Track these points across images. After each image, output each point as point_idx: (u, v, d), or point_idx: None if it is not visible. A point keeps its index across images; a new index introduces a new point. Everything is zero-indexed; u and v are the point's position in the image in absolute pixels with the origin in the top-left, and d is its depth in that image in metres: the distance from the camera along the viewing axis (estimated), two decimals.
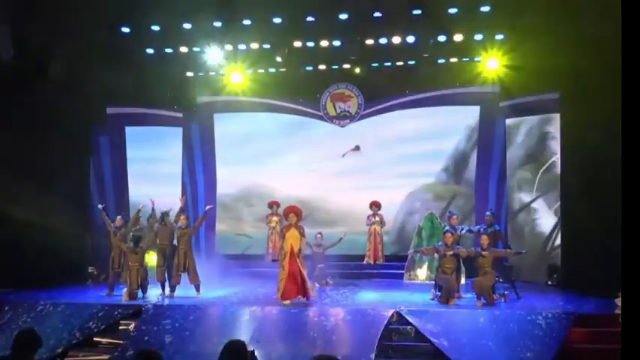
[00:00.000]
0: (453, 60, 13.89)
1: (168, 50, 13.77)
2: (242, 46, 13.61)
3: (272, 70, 14.65)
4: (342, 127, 14.74)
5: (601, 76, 9.90)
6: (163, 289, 10.65)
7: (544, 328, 7.97)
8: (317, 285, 12.03)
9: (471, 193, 14.17)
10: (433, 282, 10.44)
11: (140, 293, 10.14)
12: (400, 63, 14.18)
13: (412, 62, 14.08)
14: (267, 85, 14.94)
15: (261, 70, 14.74)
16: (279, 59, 13.73)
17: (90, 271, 13.01)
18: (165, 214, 10.90)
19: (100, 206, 11.55)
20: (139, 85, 14.10)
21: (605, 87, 9.53)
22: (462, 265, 10.45)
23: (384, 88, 14.51)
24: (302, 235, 9.81)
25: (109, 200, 13.94)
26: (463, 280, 11.00)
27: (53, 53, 11.74)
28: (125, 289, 10.17)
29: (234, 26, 12.82)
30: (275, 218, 13.06)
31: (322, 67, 14.45)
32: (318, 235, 12.51)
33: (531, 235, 12.93)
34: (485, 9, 11.94)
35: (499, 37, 12.95)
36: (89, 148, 13.09)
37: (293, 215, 9.79)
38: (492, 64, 13.63)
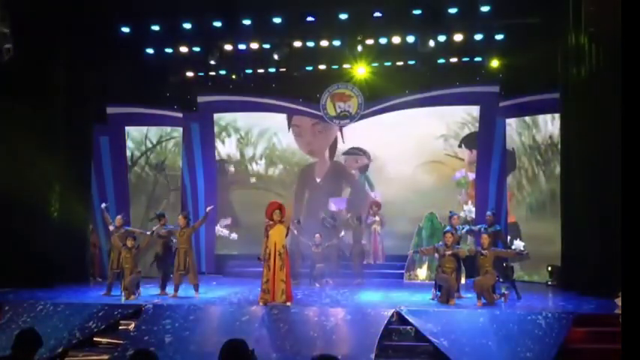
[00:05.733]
0: (453, 60, 13.89)
1: (168, 50, 13.77)
2: (242, 46, 13.62)
3: (272, 70, 14.66)
4: (342, 126, 14.74)
5: (601, 76, 9.90)
6: (162, 288, 10.63)
7: (544, 328, 7.96)
8: (317, 285, 12.05)
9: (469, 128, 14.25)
10: (433, 282, 10.44)
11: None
12: (400, 63, 14.19)
13: (412, 62, 14.08)
14: (267, 85, 14.97)
15: (261, 70, 14.75)
16: (279, 59, 13.73)
17: (91, 271, 13.05)
18: (161, 216, 10.89)
19: (102, 205, 11.57)
20: (139, 85, 14.12)
21: (606, 87, 9.54)
22: (462, 265, 10.45)
23: (384, 88, 14.51)
24: (287, 230, 9.57)
25: (109, 200, 13.94)
26: (463, 280, 10.99)
27: (53, 53, 11.73)
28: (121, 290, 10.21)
29: (234, 26, 12.82)
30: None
31: (322, 67, 14.45)
32: (317, 235, 12.50)
33: (531, 235, 12.95)
34: (485, 9, 11.94)
35: (499, 36, 12.95)
36: (89, 148, 13.09)
37: (278, 212, 9.52)
38: (492, 64, 13.66)
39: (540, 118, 12.99)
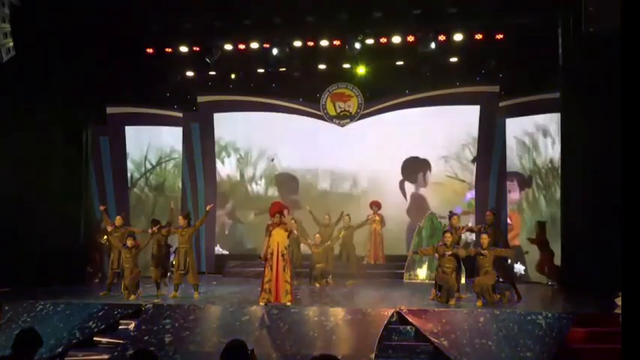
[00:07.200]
0: (453, 60, 13.88)
1: (169, 50, 13.76)
2: (242, 46, 13.62)
3: (272, 70, 14.65)
4: (342, 126, 14.74)
5: (601, 76, 9.90)
6: (159, 288, 10.61)
7: (544, 328, 7.97)
8: (317, 285, 12.06)
9: (470, 150, 14.20)
10: (433, 282, 10.43)
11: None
12: (400, 63, 14.18)
13: (412, 62, 14.07)
14: (267, 85, 14.96)
15: (261, 70, 14.75)
16: (279, 59, 13.72)
17: (89, 270, 13.03)
18: (156, 222, 10.87)
19: (101, 208, 11.58)
20: (139, 85, 14.12)
21: (606, 87, 9.54)
22: (462, 264, 10.45)
23: (384, 88, 14.51)
24: (288, 232, 9.66)
25: (109, 200, 13.95)
26: (463, 280, 11.00)
27: (53, 53, 11.73)
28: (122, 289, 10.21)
29: (234, 26, 12.81)
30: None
31: (322, 67, 14.44)
32: (317, 235, 12.50)
33: (531, 260, 12.88)
34: (484, 9, 11.93)
35: (499, 36, 12.94)
36: (89, 148, 13.08)
37: (279, 214, 9.61)
38: (492, 64, 13.65)
39: (541, 140, 12.92)
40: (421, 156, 14.41)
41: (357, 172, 14.44)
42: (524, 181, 13.32)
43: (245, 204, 15.08)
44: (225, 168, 15.16)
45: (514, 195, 13.44)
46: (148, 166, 14.73)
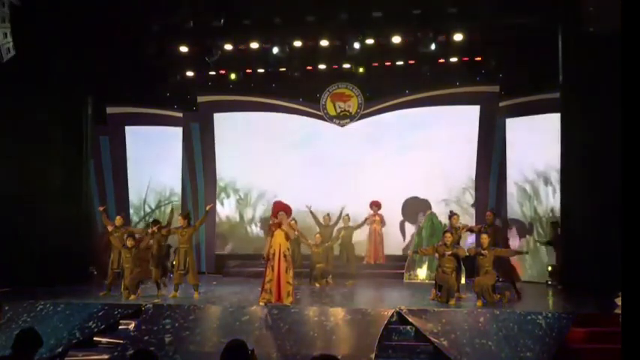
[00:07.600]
0: (453, 60, 13.88)
1: (169, 50, 13.76)
2: (242, 46, 13.61)
3: (272, 70, 14.65)
4: (342, 126, 14.73)
5: (601, 76, 9.91)
6: (159, 288, 10.61)
7: (544, 328, 7.97)
8: (317, 285, 12.06)
9: (471, 193, 14.12)
10: (433, 282, 10.44)
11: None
12: (400, 63, 14.18)
13: (412, 62, 14.07)
14: (267, 85, 14.96)
15: (261, 70, 14.75)
16: (279, 59, 13.72)
17: (90, 270, 13.04)
18: (156, 222, 10.86)
19: (100, 209, 11.58)
20: (139, 85, 14.12)
21: (606, 87, 9.55)
22: (462, 264, 10.45)
23: (384, 88, 14.51)
24: (288, 234, 9.63)
25: (109, 200, 13.96)
26: (463, 280, 10.99)
27: (53, 52, 11.73)
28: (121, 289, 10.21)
29: (234, 26, 12.82)
30: None
31: (322, 67, 14.43)
32: (317, 235, 12.51)
33: (531, 235, 12.92)
34: (484, 9, 11.93)
35: (499, 36, 12.94)
36: (89, 148, 13.08)
37: (283, 214, 9.60)
38: (492, 64, 13.65)
39: (542, 189, 12.89)
40: (421, 196, 14.20)
41: (358, 213, 13.57)
42: (525, 229, 13.22)
43: (244, 245, 14.88)
44: (225, 209, 15.03)
45: (514, 242, 13.20)
46: (147, 209, 14.71)
